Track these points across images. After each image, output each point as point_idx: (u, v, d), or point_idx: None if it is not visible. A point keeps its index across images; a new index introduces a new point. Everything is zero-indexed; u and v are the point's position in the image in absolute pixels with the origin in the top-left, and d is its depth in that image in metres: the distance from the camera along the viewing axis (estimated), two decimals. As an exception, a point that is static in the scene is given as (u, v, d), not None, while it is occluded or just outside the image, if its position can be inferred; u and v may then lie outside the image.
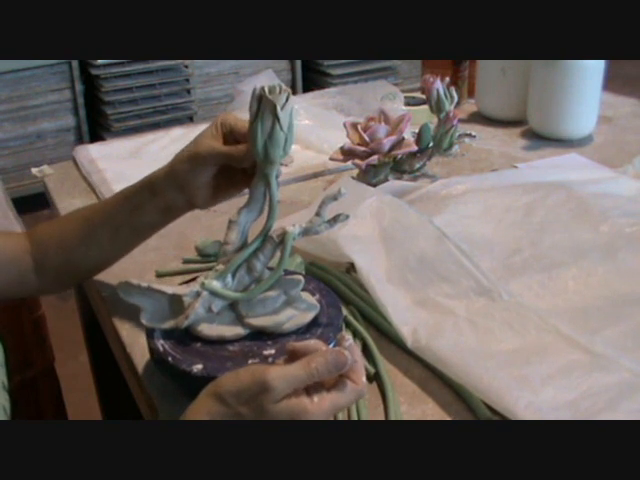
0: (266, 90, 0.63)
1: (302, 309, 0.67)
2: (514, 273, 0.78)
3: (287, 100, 0.63)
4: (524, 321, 0.69)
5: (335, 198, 0.65)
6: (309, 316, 0.67)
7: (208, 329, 0.66)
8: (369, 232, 0.81)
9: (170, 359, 0.64)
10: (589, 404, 0.60)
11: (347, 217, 0.66)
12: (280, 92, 0.63)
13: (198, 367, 0.62)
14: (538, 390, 0.62)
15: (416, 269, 0.76)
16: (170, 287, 0.68)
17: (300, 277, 0.68)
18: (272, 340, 0.66)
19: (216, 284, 0.66)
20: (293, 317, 0.67)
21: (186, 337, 0.66)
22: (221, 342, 0.66)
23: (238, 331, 0.66)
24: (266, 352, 0.64)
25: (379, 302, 0.72)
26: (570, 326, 0.69)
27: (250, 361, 0.63)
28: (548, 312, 0.71)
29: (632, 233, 0.83)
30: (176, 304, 0.67)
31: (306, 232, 0.66)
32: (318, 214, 0.66)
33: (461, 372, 0.64)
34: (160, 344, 0.65)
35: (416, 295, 0.75)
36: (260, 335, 0.66)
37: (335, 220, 0.66)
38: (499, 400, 0.61)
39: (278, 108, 0.63)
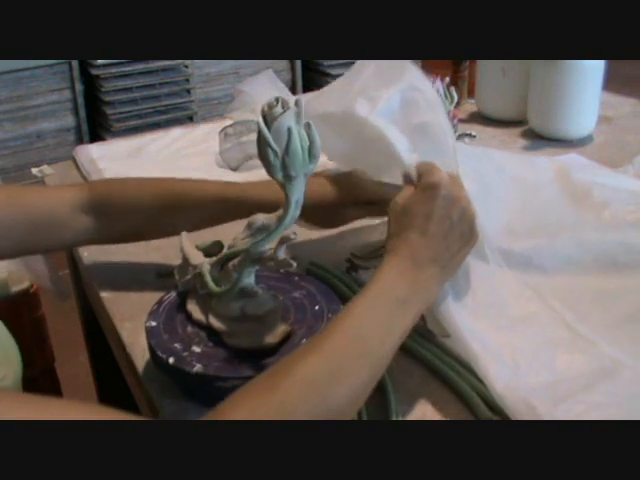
0: (266, 105, 0.56)
1: (245, 332, 0.64)
2: (517, 237, 0.78)
3: (283, 113, 0.55)
4: (512, 286, 0.71)
5: (288, 240, 0.61)
6: (244, 344, 0.64)
7: (189, 303, 0.69)
8: None
9: (154, 307, 0.69)
10: (567, 387, 0.61)
11: (292, 265, 0.62)
12: (277, 106, 0.56)
13: (152, 324, 0.66)
14: (519, 367, 0.62)
15: None
16: (190, 251, 0.71)
17: (268, 302, 0.65)
18: (219, 343, 0.64)
19: (207, 268, 0.67)
20: (235, 336, 0.64)
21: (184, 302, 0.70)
22: (189, 319, 0.68)
23: (201, 318, 0.67)
24: (195, 347, 0.64)
25: None
26: (559, 303, 0.70)
27: (177, 344, 0.64)
28: (541, 284, 0.72)
29: (634, 220, 0.82)
30: (183, 269, 0.71)
31: (259, 260, 0.64)
32: (274, 250, 0.62)
33: (453, 333, 0.65)
34: (167, 297, 0.71)
35: None
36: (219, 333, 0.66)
37: (282, 264, 0.62)
38: (484, 372, 0.62)
39: (261, 124, 0.56)
